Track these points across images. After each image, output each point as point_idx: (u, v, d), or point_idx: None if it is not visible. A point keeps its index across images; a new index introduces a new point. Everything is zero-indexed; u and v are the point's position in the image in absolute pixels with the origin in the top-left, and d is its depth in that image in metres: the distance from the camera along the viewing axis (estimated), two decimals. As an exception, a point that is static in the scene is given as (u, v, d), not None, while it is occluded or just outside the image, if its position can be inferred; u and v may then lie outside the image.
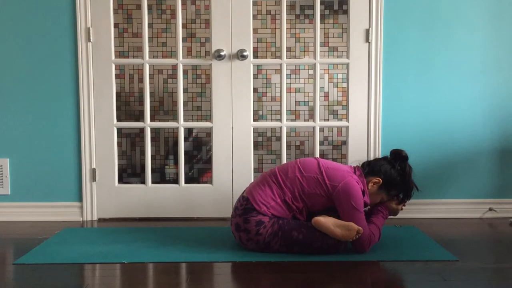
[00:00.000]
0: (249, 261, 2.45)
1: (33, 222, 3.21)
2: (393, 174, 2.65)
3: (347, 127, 3.34)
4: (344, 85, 3.92)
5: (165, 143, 4.04)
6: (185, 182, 3.36)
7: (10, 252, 2.69)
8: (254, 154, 3.40)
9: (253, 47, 3.33)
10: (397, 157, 2.69)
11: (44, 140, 3.27)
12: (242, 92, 3.29)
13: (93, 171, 3.29)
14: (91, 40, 3.22)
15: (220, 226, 3.10)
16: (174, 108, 3.92)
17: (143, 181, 3.53)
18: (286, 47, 3.32)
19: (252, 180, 3.09)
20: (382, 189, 2.65)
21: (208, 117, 3.66)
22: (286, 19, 3.32)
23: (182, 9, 3.35)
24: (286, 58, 3.33)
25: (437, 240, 2.79)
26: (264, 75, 4.02)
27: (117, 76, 3.49)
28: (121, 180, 3.69)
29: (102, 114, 3.27)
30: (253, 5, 3.27)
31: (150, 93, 3.42)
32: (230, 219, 2.71)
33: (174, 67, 3.65)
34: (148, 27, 3.36)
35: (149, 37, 3.38)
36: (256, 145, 3.89)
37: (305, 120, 4.01)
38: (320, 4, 3.41)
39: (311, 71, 3.96)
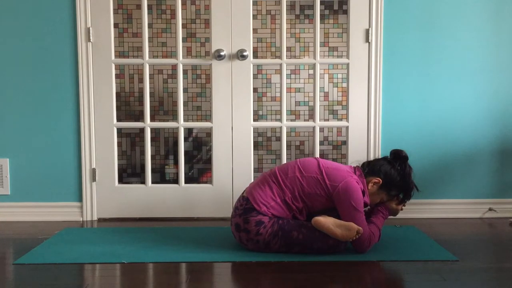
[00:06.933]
0: (249, 261, 2.45)
1: (33, 222, 3.21)
2: (393, 174, 2.65)
3: (347, 127, 3.34)
4: (344, 85, 3.92)
5: (165, 143, 4.04)
6: (185, 182, 3.36)
7: (10, 252, 2.69)
8: (254, 154, 3.40)
9: (253, 47, 3.33)
10: (397, 157, 2.69)
11: (44, 140, 3.27)
12: (242, 92, 3.29)
13: (93, 171, 3.29)
14: (91, 40, 3.22)
15: (220, 226, 3.10)
16: (174, 108, 3.92)
17: (143, 181, 3.53)
18: (286, 47, 3.32)
19: (252, 180, 3.09)
20: (382, 189, 2.65)
21: (208, 117, 3.66)
22: (286, 19, 3.32)
23: (182, 9, 3.35)
24: (286, 58, 3.33)
25: (437, 240, 2.80)
26: (264, 75, 4.02)
27: (117, 76, 3.49)
28: (121, 180, 3.69)
29: (102, 114, 3.27)
30: (253, 5, 3.27)
31: (150, 93, 3.42)
32: (230, 219, 2.71)
33: (174, 67, 3.65)
34: (148, 27, 3.36)
35: (149, 37, 3.38)
36: (256, 145, 3.89)
37: (305, 120, 4.01)
38: (320, 4, 3.41)
39: (311, 71, 3.97)
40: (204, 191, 3.35)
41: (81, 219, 3.30)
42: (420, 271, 2.33)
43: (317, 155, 3.34)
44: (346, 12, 3.46)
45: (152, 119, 3.68)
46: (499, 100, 3.33)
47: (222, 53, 3.24)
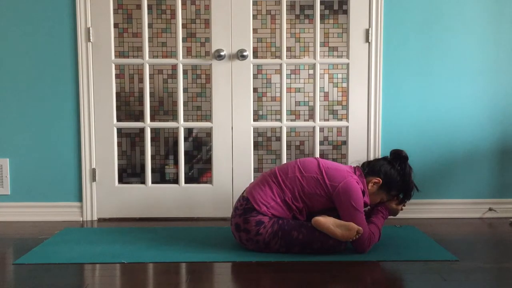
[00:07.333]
0: (249, 261, 2.45)
1: (33, 222, 3.21)
2: (393, 174, 2.65)
3: (347, 127, 3.34)
4: (344, 85, 3.92)
5: (165, 143, 4.04)
6: (185, 182, 3.36)
7: (10, 252, 2.69)
8: (254, 154, 3.40)
9: (253, 47, 3.33)
10: (397, 157, 2.69)
11: (44, 140, 3.27)
12: (242, 92, 3.29)
13: (93, 171, 3.29)
14: (91, 40, 3.22)
15: (220, 226, 3.10)
16: (174, 108, 3.92)
17: (143, 181, 3.53)
18: (286, 47, 3.32)
19: (252, 180, 3.09)
20: (382, 189, 2.65)
21: (208, 117, 3.66)
22: (286, 19, 3.32)
23: (182, 9, 3.35)
24: (286, 58, 3.33)
25: (437, 240, 2.80)
26: (264, 75, 4.02)
27: (117, 76, 3.49)
28: (121, 180, 3.69)
29: (102, 114, 3.27)
30: (253, 5, 3.27)
31: (150, 93, 3.42)
32: (230, 219, 2.71)
33: (174, 67, 3.65)
34: (148, 27, 3.36)
35: (149, 37, 3.38)
36: (256, 145, 3.89)
37: (305, 120, 4.01)
38: (320, 4, 3.41)
39: (311, 71, 3.97)
40: (204, 191, 3.35)
41: (81, 219, 3.30)
42: (420, 271, 2.33)
43: (317, 155, 3.34)
44: (346, 12, 3.46)
45: (152, 119, 3.68)
46: (499, 100, 3.33)
47: (222, 53, 3.24)
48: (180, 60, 3.30)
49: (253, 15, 3.32)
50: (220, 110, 3.30)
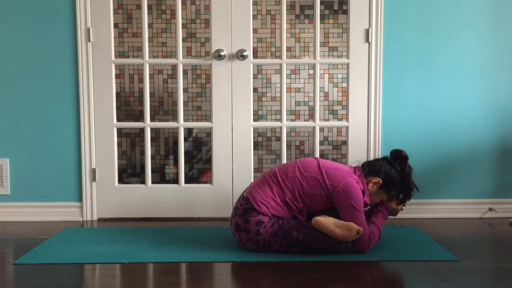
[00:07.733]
0: (249, 261, 2.45)
1: (33, 222, 3.21)
2: (393, 175, 2.65)
3: (347, 127, 3.34)
4: (344, 85, 3.92)
5: (165, 143, 4.04)
6: (185, 182, 3.36)
7: (10, 252, 2.69)
8: (254, 154, 3.40)
9: (253, 47, 3.33)
10: (397, 157, 2.69)
11: (44, 140, 3.27)
12: (242, 92, 3.29)
13: (93, 171, 3.29)
14: (91, 40, 3.22)
15: (220, 226, 3.10)
16: (174, 108, 3.92)
17: (143, 181, 3.53)
18: (286, 47, 3.32)
19: (252, 180, 3.09)
20: (382, 189, 2.65)
21: (208, 117, 3.66)
22: (286, 19, 3.32)
23: (182, 9, 3.35)
24: (286, 58, 3.33)
25: (437, 240, 2.80)
26: (264, 75, 4.02)
27: (117, 76, 3.49)
28: (121, 180, 3.69)
29: (102, 114, 3.27)
30: (253, 5, 3.27)
31: (150, 93, 3.42)
32: (230, 219, 2.72)
33: (174, 67, 3.65)
34: (148, 27, 3.36)
35: (149, 37, 3.38)
36: (256, 145, 3.89)
37: (305, 120, 4.01)
38: (320, 4, 3.41)
39: (311, 71, 3.97)
40: (204, 191, 3.35)
41: (81, 219, 3.30)
42: (420, 271, 2.33)
43: (317, 155, 3.34)
44: (346, 12, 3.46)
45: (152, 119, 3.68)
46: (499, 100, 3.33)
47: (222, 53, 3.24)
48: (180, 60, 3.30)
49: (253, 15, 3.32)
50: (220, 110, 3.30)
